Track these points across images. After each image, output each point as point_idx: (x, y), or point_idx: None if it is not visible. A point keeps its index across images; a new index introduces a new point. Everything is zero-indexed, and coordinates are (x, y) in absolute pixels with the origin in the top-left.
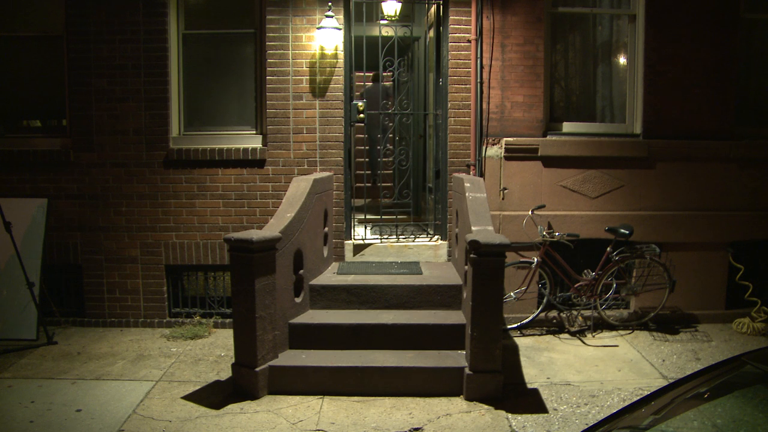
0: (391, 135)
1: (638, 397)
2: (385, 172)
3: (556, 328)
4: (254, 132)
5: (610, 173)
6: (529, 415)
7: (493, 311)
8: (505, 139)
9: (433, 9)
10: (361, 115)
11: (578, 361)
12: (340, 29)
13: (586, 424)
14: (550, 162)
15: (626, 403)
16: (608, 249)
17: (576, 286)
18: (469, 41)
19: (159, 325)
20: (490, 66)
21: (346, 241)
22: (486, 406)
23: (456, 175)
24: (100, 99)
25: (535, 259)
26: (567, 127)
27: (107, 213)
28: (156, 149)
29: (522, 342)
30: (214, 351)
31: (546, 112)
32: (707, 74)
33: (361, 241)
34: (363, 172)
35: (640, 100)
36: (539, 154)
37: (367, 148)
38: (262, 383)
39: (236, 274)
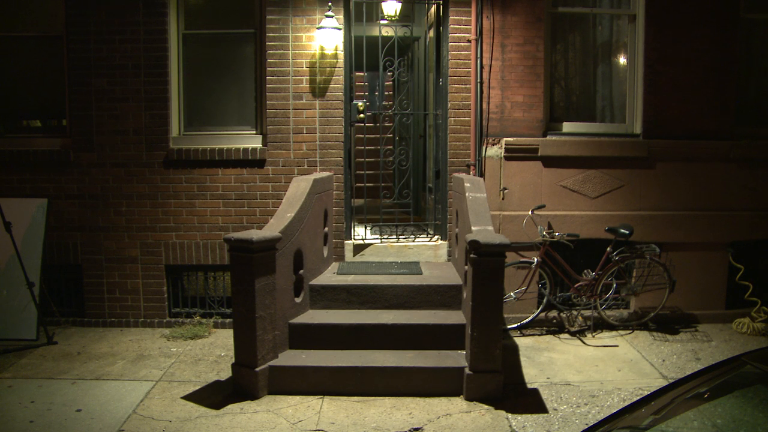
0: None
1: (638, 397)
2: (385, 172)
3: (556, 328)
4: (254, 132)
5: (610, 173)
6: (529, 415)
7: (493, 311)
8: (505, 139)
9: (433, 9)
10: (361, 115)
11: (578, 361)
12: (340, 29)
13: (586, 424)
14: (550, 162)
15: (626, 403)
16: (608, 249)
17: (576, 286)
18: (469, 41)
19: (159, 325)
20: (490, 66)
21: (346, 241)
22: (486, 406)
23: (456, 175)
24: (100, 99)
25: (535, 259)
26: (567, 127)
27: (107, 213)
28: (156, 149)
29: (522, 342)
30: (214, 351)
31: (546, 112)
32: (707, 74)
33: (361, 241)
34: (363, 172)
35: (640, 100)
36: (539, 154)
37: (367, 148)
38: (262, 383)
39: (236, 274)
